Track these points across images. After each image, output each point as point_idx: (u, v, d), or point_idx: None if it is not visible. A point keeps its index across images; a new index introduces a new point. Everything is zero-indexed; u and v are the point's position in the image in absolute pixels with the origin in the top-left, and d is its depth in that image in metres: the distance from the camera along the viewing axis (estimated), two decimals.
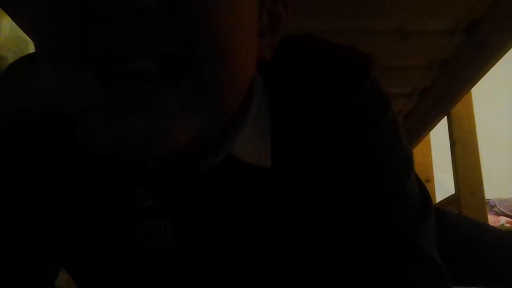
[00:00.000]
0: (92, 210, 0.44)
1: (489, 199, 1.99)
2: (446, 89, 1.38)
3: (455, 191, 1.47)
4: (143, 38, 0.29)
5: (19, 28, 1.18)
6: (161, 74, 0.30)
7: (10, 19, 1.14)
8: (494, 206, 2.22)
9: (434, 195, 1.83)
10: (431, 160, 1.90)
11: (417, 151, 1.83)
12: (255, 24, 0.37)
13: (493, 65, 1.18)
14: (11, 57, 1.55)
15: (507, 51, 1.12)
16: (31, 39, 0.33)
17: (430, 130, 1.72)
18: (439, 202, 1.67)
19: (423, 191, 0.46)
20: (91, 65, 0.29)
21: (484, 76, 1.25)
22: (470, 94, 1.47)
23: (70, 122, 0.39)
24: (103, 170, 0.41)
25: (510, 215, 2.16)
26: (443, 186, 1.96)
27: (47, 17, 0.30)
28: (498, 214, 2.17)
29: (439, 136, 1.78)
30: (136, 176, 0.42)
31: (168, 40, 0.30)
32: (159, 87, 0.30)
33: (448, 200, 1.58)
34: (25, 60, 0.46)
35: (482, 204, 1.43)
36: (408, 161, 0.45)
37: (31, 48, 1.65)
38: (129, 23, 0.28)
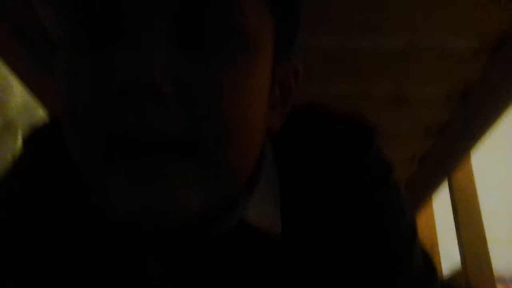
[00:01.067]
0: (99, 272, 0.44)
1: (497, 270, 1.94)
2: (445, 154, 1.39)
3: (461, 261, 1.43)
4: (156, 122, 0.31)
5: (29, 96, 1.22)
6: (172, 149, 0.32)
7: (21, 86, 1.18)
8: (504, 278, 2.16)
9: (440, 262, 1.78)
10: (435, 227, 1.88)
11: (420, 218, 1.81)
12: (267, 99, 0.38)
13: (490, 130, 1.20)
14: (20, 124, 1.60)
15: (502, 117, 1.14)
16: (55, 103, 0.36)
17: (432, 196, 1.72)
18: (445, 274, 1.62)
19: (428, 259, 0.45)
20: (110, 137, 0.31)
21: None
22: (470, 159, 1.48)
23: (85, 186, 0.40)
24: (113, 233, 0.42)
25: None
26: (448, 253, 1.92)
27: (74, 95, 0.33)
28: (507, 283, 2.11)
29: (442, 203, 1.77)
30: (145, 240, 0.42)
31: (179, 125, 0.31)
32: (170, 158, 0.31)
33: (454, 271, 1.54)
34: (45, 129, 0.49)
35: (490, 275, 1.39)
36: (412, 227, 0.45)
37: (40, 115, 1.71)
38: (144, 107, 0.30)
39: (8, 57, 1.03)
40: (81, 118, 0.32)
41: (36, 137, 0.49)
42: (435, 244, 1.83)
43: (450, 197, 1.50)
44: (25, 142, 0.49)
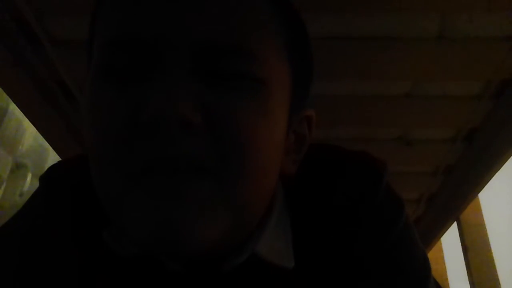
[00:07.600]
0: None
1: None
2: (453, 194, 1.39)
3: None
4: (184, 149, 0.32)
5: (42, 138, 1.24)
6: (193, 170, 0.33)
7: (34, 128, 1.21)
8: None
9: None
10: (445, 267, 1.85)
11: (430, 258, 1.78)
12: (283, 143, 0.40)
13: (497, 170, 1.20)
14: (30, 165, 1.63)
15: (508, 158, 1.14)
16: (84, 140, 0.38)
17: (441, 236, 1.70)
18: None
19: None
20: (136, 163, 0.32)
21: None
22: (478, 199, 1.48)
23: (99, 221, 0.41)
24: (124, 272, 0.43)
25: None
26: None
27: (103, 125, 0.34)
28: None
29: (452, 242, 1.75)
30: (157, 278, 0.42)
31: (206, 153, 0.33)
32: (191, 176, 0.32)
33: None
34: (61, 167, 0.50)
35: None
36: (426, 264, 0.45)
37: (50, 157, 1.73)
38: (173, 135, 0.31)
39: (22, 101, 1.06)
40: (109, 146, 0.33)
41: (51, 175, 0.50)
42: (446, 285, 1.80)
43: (460, 237, 1.49)
44: (41, 179, 0.49)
